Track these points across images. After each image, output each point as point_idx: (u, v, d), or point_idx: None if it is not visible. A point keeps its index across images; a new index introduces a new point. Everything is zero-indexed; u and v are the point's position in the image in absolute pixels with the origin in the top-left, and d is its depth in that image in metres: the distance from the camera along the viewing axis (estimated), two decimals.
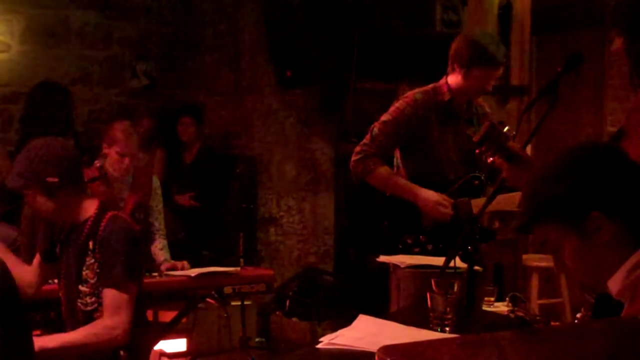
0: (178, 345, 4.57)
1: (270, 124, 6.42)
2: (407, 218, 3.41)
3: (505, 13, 5.19)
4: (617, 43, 2.30)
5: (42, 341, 2.70)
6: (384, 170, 3.44)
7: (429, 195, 3.34)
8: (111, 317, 2.78)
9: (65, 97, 5.40)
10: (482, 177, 3.41)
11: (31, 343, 2.35)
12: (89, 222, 2.87)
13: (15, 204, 4.18)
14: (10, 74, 6.08)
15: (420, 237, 3.41)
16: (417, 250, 3.39)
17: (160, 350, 4.21)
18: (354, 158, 3.47)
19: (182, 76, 6.74)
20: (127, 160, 4.16)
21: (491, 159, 2.67)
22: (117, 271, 2.79)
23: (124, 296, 2.80)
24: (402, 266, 2.99)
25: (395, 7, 6.04)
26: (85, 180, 3.09)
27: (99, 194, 3.73)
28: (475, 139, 2.70)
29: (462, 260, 2.46)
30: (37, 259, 3.05)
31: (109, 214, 2.89)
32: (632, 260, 1.63)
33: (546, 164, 1.78)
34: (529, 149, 4.16)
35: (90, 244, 2.84)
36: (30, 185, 2.80)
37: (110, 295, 2.79)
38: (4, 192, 4.52)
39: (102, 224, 2.85)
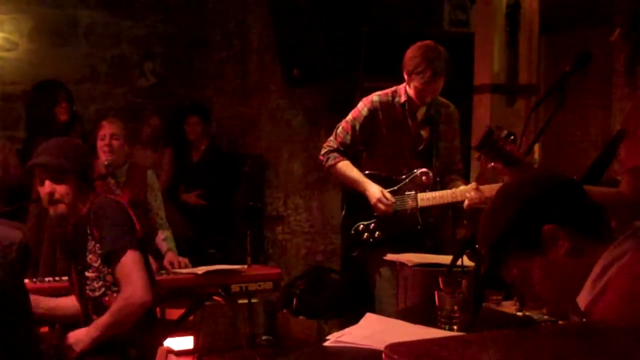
0: (185, 342, 4.57)
1: (277, 123, 6.42)
2: (363, 206, 3.73)
3: (514, 12, 5.16)
4: (616, 34, 2.29)
5: (78, 344, 2.82)
6: (342, 164, 3.80)
7: (373, 191, 3.68)
8: (126, 287, 2.84)
9: (63, 94, 5.41)
10: (430, 174, 3.69)
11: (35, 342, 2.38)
12: (85, 214, 2.95)
13: (21, 202, 4.18)
14: (19, 73, 6.09)
15: (371, 225, 3.73)
16: (366, 236, 3.73)
17: (168, 347, 4.18)
18: (321, 152, 3.87)
19: (189, 75, 6.75)
20: (107, 141, 4.18)
21: (492, 164, 2.67)
22: (114, 238, 2.85)
23: (130, 262, 2.85)
24: (409, 264, 2.98)
25: (403, 6, 6.03)
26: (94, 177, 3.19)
27: (101, 192, 3.76)
28: (473, 144, 2.72)
29: (470, 258, 2.46)
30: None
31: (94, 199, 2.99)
32: (595, 270, 1.63)
33: (489, 206, 1.81)
34: (536, 148, 4.16)
35: (88, 228, 2.91)
36: (68, 169, 2.88)
37: (117, 268, 2.85)
38: (10, 190, 4.53)
39: (92, 208, 2.93)
